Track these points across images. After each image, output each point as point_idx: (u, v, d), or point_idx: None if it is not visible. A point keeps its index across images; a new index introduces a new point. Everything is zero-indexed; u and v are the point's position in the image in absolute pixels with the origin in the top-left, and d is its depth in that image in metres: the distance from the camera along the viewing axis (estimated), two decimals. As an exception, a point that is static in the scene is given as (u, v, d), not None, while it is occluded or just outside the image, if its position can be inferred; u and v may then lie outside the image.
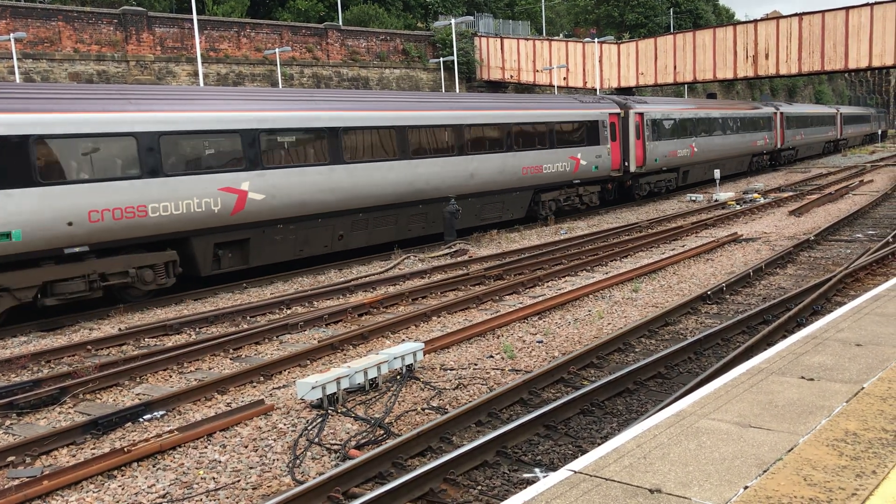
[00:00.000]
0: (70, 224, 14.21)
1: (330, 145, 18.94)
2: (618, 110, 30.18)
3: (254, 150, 17.24)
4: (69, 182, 14.30)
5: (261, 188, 17.30)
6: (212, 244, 16.74)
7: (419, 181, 21.32)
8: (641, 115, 31.34)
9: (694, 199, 32.60)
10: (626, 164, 30.68)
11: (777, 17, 45.16)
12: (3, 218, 13.37)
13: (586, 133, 28.14)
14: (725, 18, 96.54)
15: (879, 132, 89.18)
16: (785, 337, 10.54)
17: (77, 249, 14.43)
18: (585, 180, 28.42)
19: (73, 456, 8.10)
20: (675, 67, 48.07)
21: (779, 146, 49.39)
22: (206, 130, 16.47)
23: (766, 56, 44.21)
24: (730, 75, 46.59)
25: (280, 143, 17.93)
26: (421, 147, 21.51)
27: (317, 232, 18.95)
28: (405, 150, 20.91)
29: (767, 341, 10.58)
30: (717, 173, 34.49)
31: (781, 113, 49.48)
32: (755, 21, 45.61)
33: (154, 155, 15.50)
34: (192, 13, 37.02)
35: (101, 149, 14.80)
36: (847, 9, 41.00)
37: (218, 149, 16.68)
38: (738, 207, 28.21)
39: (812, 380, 6.63)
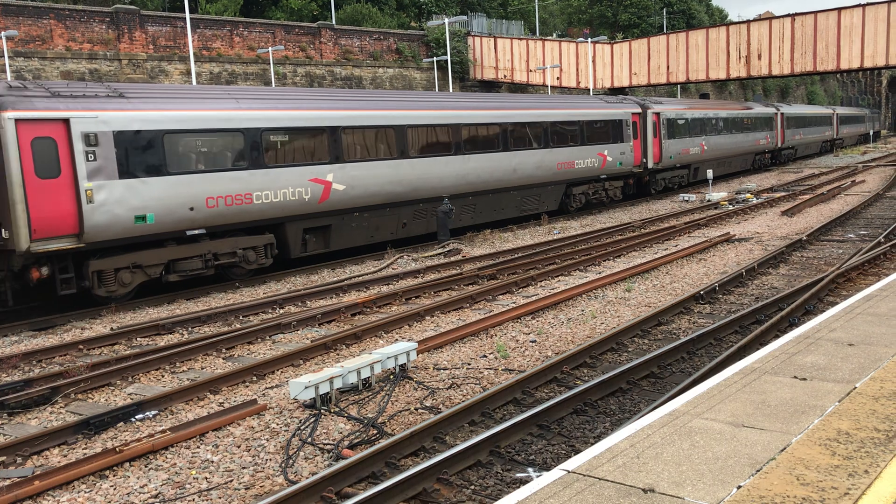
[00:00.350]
0: (191, 209, 16.12)
1: (397, 141, 20.91)
2: (639, 110, 32.33)
3: (337, 145, 19.13)
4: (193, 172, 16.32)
5: (342, 179, 19.20)
6: (301, 230, 18.67)
7: (471, 175, 23.36)
8: (658, 114, 33.30)
9: (686, 199, 32.66)
10: (645, 160, 32.77)
11: (770, 18, 45.26)
12: (140, 203, 15.27)
13: (612, 131, 30.24)
14: (718, 19, 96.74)
15: (871, 132, 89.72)
16: (777, 337, 10.57)
17: (196, 232, 16.40)
18: (611, 175, 30.64)
19: (65, 456, 8.06)
20: (668, 67, 48.15)
21: (779, 145, 51.47)
22: (300, 128, 18.34)
23: (759, 56, 44.33)
24: (722, 75, 46.70)
25: (357, 139, 19.79)
26: (471, 143, 23.50)
27: (385, 220, 20.94)
28: (458, 147, 22.95)
29: (760, 341, 10.61)
30: (709, 173, 34.60)
31: (782, 113, 51.37)
32: (748, 21, 45.70)
33: (258, 148, 17.48)
34: (184, 12, 36.93)
35: (214, 143, 16.78)
36: (839, 9, 41.13)
37: (308, 144, 18.59)
38: (731, 207, 28.28)
39: (805, 379, 6.64)
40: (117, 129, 15.12)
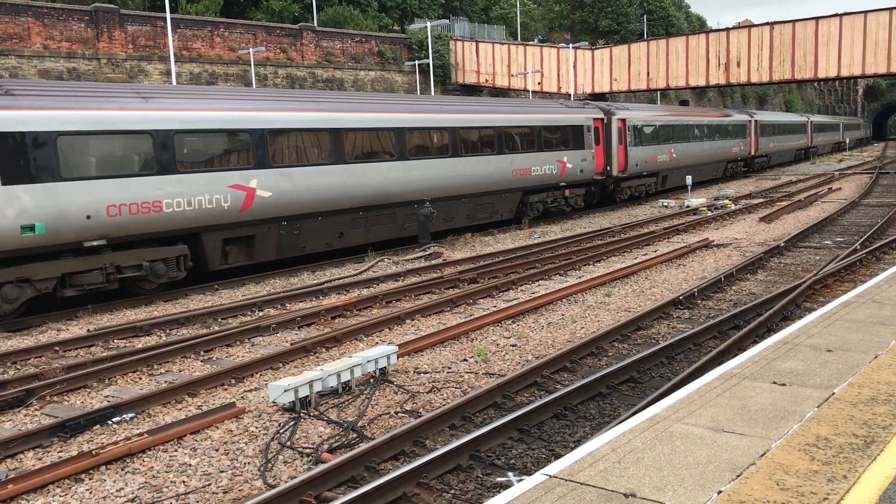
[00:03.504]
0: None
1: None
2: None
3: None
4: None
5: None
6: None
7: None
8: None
9: (666, 204, 32.87)
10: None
11: (749, 26, 45.67)
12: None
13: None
14: (697, 26, 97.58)
15: (847, 140, 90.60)
16: (756, 342, 10.64)
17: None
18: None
19: (40, 459, 7.94)
20: (648, 74, 48.45)
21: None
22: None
23: (738, 64, 44.72)
24: (702, 82, 47.06)
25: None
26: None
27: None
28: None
29: (738, 346, 10.68)
30: (688, 179, 34.87)
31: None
32: (727, 29, 46.10)
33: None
34: (164, 11, 36.66)
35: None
36: (817, 19, 41.61)
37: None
38: (710, 213, 28.49)
39: (784, 385, 6.68)
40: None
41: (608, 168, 31.56)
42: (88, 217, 14.64)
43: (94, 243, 14.92)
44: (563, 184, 28.82)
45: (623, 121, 32.28)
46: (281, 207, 18.25)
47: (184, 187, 16.20)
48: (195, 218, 16.46)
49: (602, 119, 31.07)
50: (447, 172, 23.26)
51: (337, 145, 19.71)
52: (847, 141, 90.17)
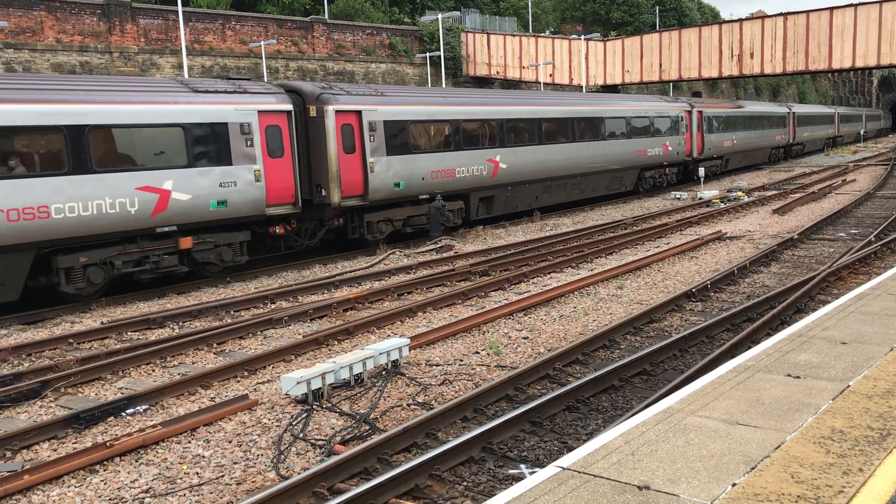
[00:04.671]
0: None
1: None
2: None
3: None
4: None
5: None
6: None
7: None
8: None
9: (679, 196, 32.71)
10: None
11: (762, 17, 45.38)
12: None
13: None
14: (710, 17, 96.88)
15: (862, 132, 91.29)
16: (769, 335, 10.59)
17: None
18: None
19: (55, 450, 8.00)
20: (660, 65, 48.21)
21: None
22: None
23: (751, 55, 44.43)
24: (715, 74, 46.80)
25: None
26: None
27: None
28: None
29: (752, 339, 10.63)
30: (701, 171, 34.68)
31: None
32: (740, 20, 45.78)
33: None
34: (176, 4, 36.73)
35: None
36: (831, 9, 41.24)
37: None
38: (723, 206, 28.32)
39: (798, 377, 6.64)
40: None
41: (692, 151, 37.99)
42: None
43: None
44: (665, 163, 35.42)
45: (701, 112, 38.59)
46: (511, 175, 25.23)
47: (464, 160, 23.19)
48: (471, 181, 23.54)
49: (689, 111, 37.41)
50: (593, 153, 29.66)
51: (538, 130, 26.59)
52: (867, 131, 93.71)
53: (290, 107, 18.71)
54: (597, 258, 18.79)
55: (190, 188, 16.40)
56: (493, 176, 24.38)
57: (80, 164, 14.70)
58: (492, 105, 25.42)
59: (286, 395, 9.11)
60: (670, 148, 35.29)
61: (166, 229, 16.07)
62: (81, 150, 14.72)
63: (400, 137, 21.20)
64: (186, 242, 16.53)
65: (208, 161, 16.82)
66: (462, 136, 23.52)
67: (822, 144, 70.12)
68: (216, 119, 17.04)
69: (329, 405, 8.90)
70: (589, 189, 29.87)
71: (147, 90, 16.36)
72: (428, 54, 52.56)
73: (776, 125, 52.73)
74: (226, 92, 17.71)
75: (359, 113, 20.09)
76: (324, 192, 19.45)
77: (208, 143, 16.84)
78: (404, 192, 21.35)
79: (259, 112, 17.87)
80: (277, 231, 18.78)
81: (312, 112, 19.44)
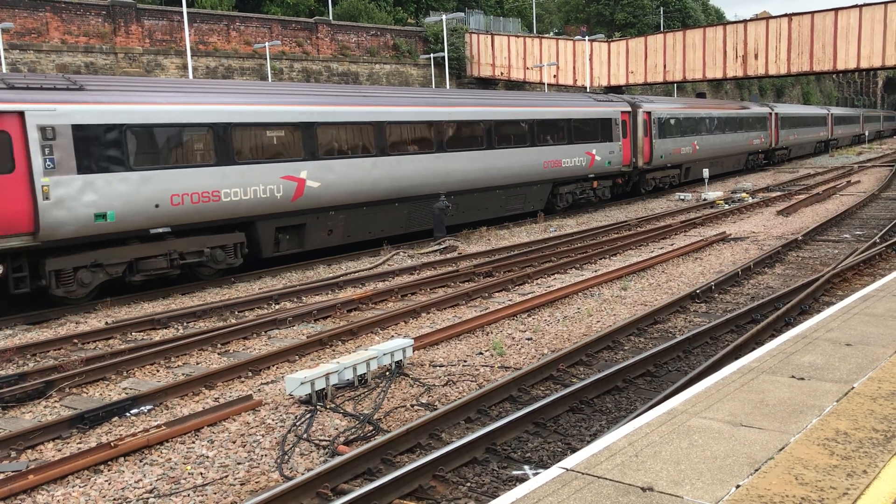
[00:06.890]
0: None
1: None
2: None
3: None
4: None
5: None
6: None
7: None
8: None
9: (683, 198, 32.67)
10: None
11: (766, 18, 45.30)
12: None
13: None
14: (715, 18, 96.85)
15: (866, 133, 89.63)
16: (773, 336, 10.58)
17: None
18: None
19: (59, 450, 8.02)
20: (664, 66, 48.17)
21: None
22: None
23: (756, 56, 44.36)
24: (719, 75, 46.71)
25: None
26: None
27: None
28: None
29: (756, 340, 10.61)
30: (705, 172, 34.62)
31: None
32: (745, 21, 45.73)
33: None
34: (181, 5, 36.81)
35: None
36: (836, 10, 41.18)
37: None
38: (727, 207, 28.29)
39: (803, 379, 6.63)
40: None
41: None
42: None
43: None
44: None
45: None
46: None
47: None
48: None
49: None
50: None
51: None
52: (867, 133, 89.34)
53: (629, 109, 29.93)
54: (601, 259, 18.78)
55: (600, 153, 28.97)
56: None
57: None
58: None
59: (290, 395, 9.12)
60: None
61: (591, 175, 29.14)
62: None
63: (673, 127, 22.96)
64: (595, 184, 29.91)
65: (605, 139, 29.43)
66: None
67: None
68: (608, 116, 29.45)
69: (333, 406, 8.91)
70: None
71: (578, 102, 29.12)
72: (432, 55, 52.60)
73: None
74: (608, 101, 29.61)
75: (649, 113, 23.27)
76: (634, 160, 27.93)
77: (605, 129, 29.34)
78: (665, 162, 22.44)
79: (620, 112, 29.69)
80: (618, 181, 31.54)
81: (632, 113, 27.40)
